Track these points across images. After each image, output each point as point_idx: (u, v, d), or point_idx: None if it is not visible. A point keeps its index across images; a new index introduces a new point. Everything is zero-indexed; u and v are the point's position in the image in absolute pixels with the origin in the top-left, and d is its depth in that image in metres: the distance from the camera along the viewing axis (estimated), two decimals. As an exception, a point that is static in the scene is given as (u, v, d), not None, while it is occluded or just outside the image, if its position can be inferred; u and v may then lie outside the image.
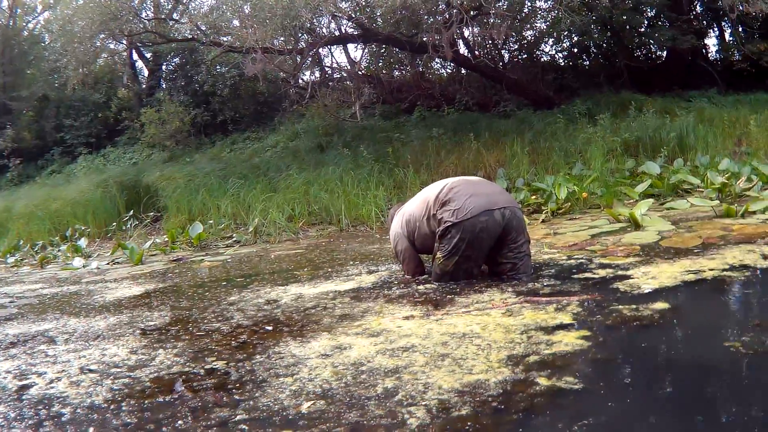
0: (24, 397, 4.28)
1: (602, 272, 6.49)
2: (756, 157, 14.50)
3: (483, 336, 4.58)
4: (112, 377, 4.50)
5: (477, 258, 6.47)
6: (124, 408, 3.86)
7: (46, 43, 31.14)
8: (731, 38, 24.74)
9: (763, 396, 3.34)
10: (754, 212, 9.38)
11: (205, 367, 4.53)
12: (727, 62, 23.83)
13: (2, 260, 14.64)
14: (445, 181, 6.85)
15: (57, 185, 22.94)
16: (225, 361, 4.61)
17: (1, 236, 17.21)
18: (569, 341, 4.34)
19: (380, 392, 3.71)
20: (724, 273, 5.95)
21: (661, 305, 5.00)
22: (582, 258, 7.39)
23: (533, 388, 3.57)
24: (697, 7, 24.59)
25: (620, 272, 6.37)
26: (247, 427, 3.40)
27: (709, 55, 25.64)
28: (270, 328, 5.51)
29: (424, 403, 3.48)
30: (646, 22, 24.01)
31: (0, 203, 21.61)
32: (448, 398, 3.51)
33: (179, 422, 3.55)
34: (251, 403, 3.74)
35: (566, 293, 5.71)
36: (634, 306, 5.06)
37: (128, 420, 3.67)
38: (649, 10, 23.41)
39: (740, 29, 23.91)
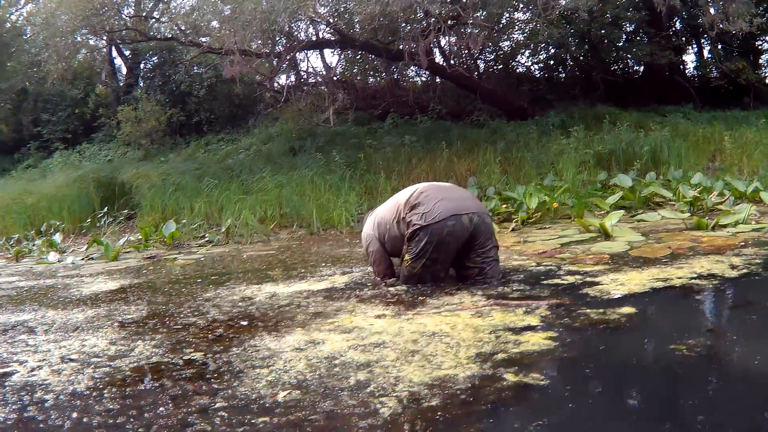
0: (6, 384, 4.39)
1: (571, 278, 6.63)
2: (729, 173, 14.70)
3: (452, 335, 4.73)
4: (92, 366, 4.62)
5: (444, 261, 6.60)
6: (106, 395, 3.98)
7: (28, 36, 30.97)
8: (710, 55, 25.13)
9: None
10: (725, 226, 9.55)
11: (184, 358, 4.66)
12: (704, 79, 24.17)
13: (-23, 252, 14.64)
14: (416, 186, 6.99)
15: (33, 179, 22.84)
16: (203, 353, 4.75)
17: (-23, 228, 17.18)
18: (536, 341, 4.49)
19: (353, 384, 3.86)
20: (692, 281, 6.12)
21: (627, 310, 5.18)
22: (551, 265, 7.51)
23: (500, 383, 3.74)
24: (677, 23, 24.94)
25: (589, 279, 6.52)
26: (226, 414, 3.54)
27: (687, 71, 26.06)
28: (245, 323, 5.64)
29: (395, 394, 3.64)
30: (624, 36, 24.28)
31: (-25, 196, 21.61)
32: (419, 390, 3.67)
33: (161, 409, 3.69)
34: (229, 392, 3.88)
35: (535, 297, 5.86)
36: (601, 310, 5.22)
37: (111, 406, 3.80)
38: (628, 25, 23.74)
39: (719, 46, 24.21)
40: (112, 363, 4.69)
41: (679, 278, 6.27)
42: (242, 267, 9.48)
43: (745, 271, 6.51)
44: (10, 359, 5.02)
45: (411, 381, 3.84)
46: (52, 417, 3.73)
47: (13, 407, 3.95)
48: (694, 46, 26.05)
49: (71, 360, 4.85)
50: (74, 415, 3.73)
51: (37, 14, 26.79)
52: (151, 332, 5.55)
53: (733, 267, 6.66)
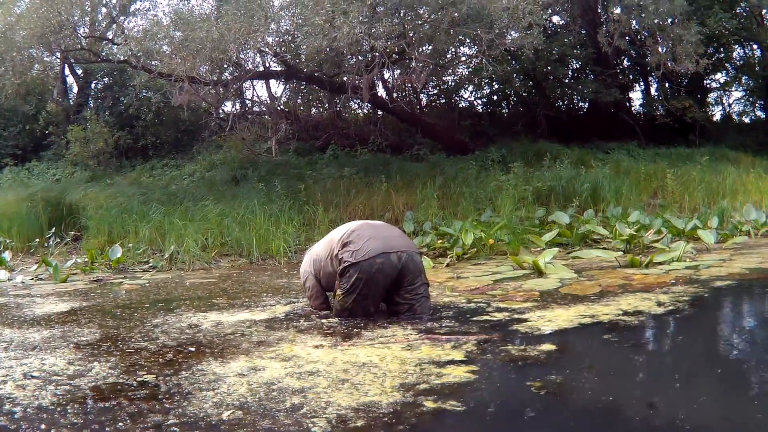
0: (-26, 397, 4.87)
1: (499, 315, 7.05)
2: (670, 210, 15.10)
3: (380, 366, 5.23)
4: (54, 384, 5.05)
5: (374, 297, 7.04)
6: (69, 410, 4.43)
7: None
8: (656, 93, 25.52)
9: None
10: (660, 263, 9.96)
11: (137, 379, 5.12)
12: (649, 116, 24.58)
13: None
14: (349, 225, 7.46)
15: (-20, 195, 22.81)
16: (155, 375, 5.21)
17: None
18: (458, 374, 5.00)
19: (288, 406, 4.38)
20: (618, 318, 6.58)
21: (547, 347, 5.66)
22: (481, 302, 7.91)
23: (420, 409, 4.27)
24: (624, 61, 25.30)
25: (516, 316, 6.95)
26: (178, 430, 4.04)
27: (633, 108, 26.34)
28: (193, 349, 6.08)
29: (325, 416, 4.16)
30: (570, 73, 24.68)
31: None
32: (346, 413, 4.19)
33: (120, 424, 4.15)
34: (180, 410, 4.37)
35: (465, 333, 6.30)
36: (522, 347, 5.71)
37: (75, 420, 4.26)
38: (574, 62, 24.18)
39: (666, 85, 24.66)
40: (71, 381, 5.11)
41: (606, 315, 6.73)
42: (187, 294, 9.80)
43: (671, 308, 6.98)
44: (-26, 373, 5.45)
45: (339, 405, 4.35)
46: (23, 427, 4.18)
47: (-17, 418, 4.40)
48: (641, 84, 26.42)
49: (33, 377, 5.26)
50: (42, 426, 4.18)
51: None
52: (105, 354, 5.96)
53: (659, 304, 7.14)
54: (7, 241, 15.61)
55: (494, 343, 5.90)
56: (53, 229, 15.80)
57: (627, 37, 20.11)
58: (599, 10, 22.42)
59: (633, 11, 19.11)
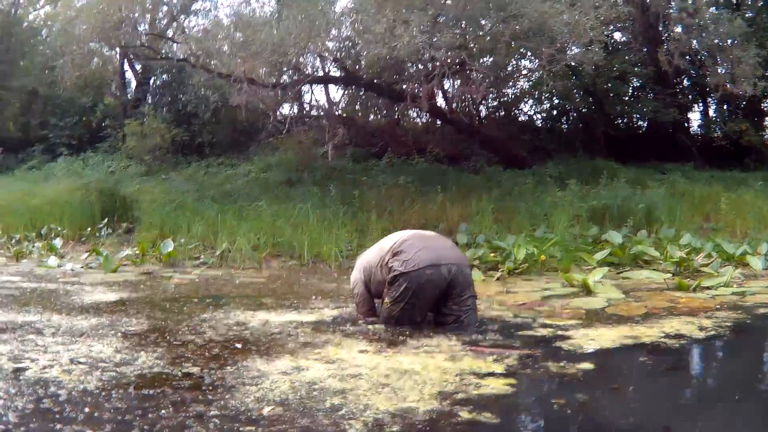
0: (21, 378, 4.96)
1: (544, 331, 7.04)
2: (721, 235, 14.69)
3: (422, 374, 5.26)
4: (100, 370, 5.17)
5: (421, 307, 7.03)
6: (114, 396, 4.55)
7: (44, 37, 31.01)
8: (714, 114, 25.06)
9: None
10: (707, 288, 9.70)
11: (182, 371, 5.23)
12: (707, 138, 24.01)
13: (-22, 247, 14.98)
14: (401, 233, 7.47)
15: (36, 182, 23.05)
16: (200, 368, 5.32)
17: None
18: (496, 386, 5.01)
19: (328, 406, 4.44)
20: (660, 340, 6.52)
21: (586, 365, 5.64)
22: (528, 317, 7.85)
23: (456, 419, 4.29)
24: (684, 80, 24.85)
25: (560, 333, 6.92)
26: (218, 421, 4.12)
27: (691, 129, 25.73)
28: (239, 345, 6.16)
29: (362, 418, 4.22)
30: (630, 91, 24.35)
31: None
32: (383, 417, 4.25)
33: (162, 411, 4.26)
34: (222, 403, 4.45)
35: (508, 347, 6.28)
36: (562, 364, 5.69)
37: (118, 405, 4.37)
38: (635, 80, 23.89)
39: (725, 106, 24.19)
40: (117, 369, 5.23)
41: (648, 336, 6.66)
42: (236, 292, 9.88)
43: (713, 333, 6.90)
44: (22, 356, 5.58)
45: (378, 409, 4.40)
46: (66, 410, 4.30)
47: (30, 398, 4.53)
48: (700, 104, 25.82)
49: (80, 362, 5.39)
50: (86, 409, 4.30)
51: (55, 18, 26.99)
52: (152, 345, 6.08)
53: (702, 329, 7.03)
54: (59, 229, 15.68)
55: (535, 358, 5.90)
56: (105, 220, 15.92)
57: (687, 57, 19.86)
58: (660, 28, 22.17)
59: (693, 30, 18.96)
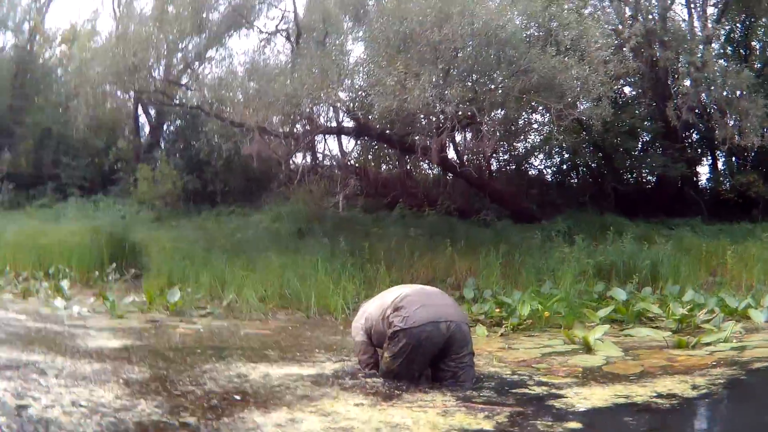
0: (23, 415, 5.04)
1: (538, 389, 7.09)
2: (726, 289, 14.54)
3: (412, 428, 5.35)
4: (99, 414, 5.24)
5: (420, 363, 7.11)
6: None
7: (59, 75, 31.27)
8: (723, 167, 25.07)
9: None
10: (707, 344, 9.65)
11: (180, 420, 5.30)
12: (715, 191, 23.94)
13: (-13, 282, 15.01)
14: (403, 288, 7.56)
15: (47, 220, 23.17)
16: (197, 418, 5.38)
17: (-13, 258, 17.51)
18: None
19: (320, 458, 4.51)
20: (650, 400, 6.52)
21: (573, 425, 5.68)
22: (525, 374, 7.90)
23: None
24: (693, 135, 24.85)
25: (554, 391, 6.97)
26: (213, 471, 4.22)
27: (699, 182, 25.62)
28: (238, 397, 6.22)
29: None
30: (639, 146, 24.43)
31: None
32: (371, 469, 4.31)
33: None
34: (217, 453, 4.54)
35: (500, 404, 6.34)
36: (550, 422, 5.74)
37: None
38: (644, 135, 23.95)
39: (733, 159, 24.31)
40: (117, 414, 5.30)
41: (639, 396, 6.66)
42: (240, 343, 9.90)
43: (705, 391, 6.88)
44: (25, 394, 5.66)
45: (366, 461, 4.45)
46: (65, 452, 4.37)
47: (30, 437, 4.56)
48: (709, 158, 25.68)
49: (81, 405, 5.46)
50: (84, 454, 4.37)
51: (71, 59, 27.14)
52: (153, 393, 6.13)
53: (694, 387, 7.01)
54: (67, 270, 15.73)
55: (526, 416, 5.97)
56: (114, 264, 15.84)
57: (696, 111, 20.02)
58: (669, 82, 22.22)
59: (702, 84, 19.09)
